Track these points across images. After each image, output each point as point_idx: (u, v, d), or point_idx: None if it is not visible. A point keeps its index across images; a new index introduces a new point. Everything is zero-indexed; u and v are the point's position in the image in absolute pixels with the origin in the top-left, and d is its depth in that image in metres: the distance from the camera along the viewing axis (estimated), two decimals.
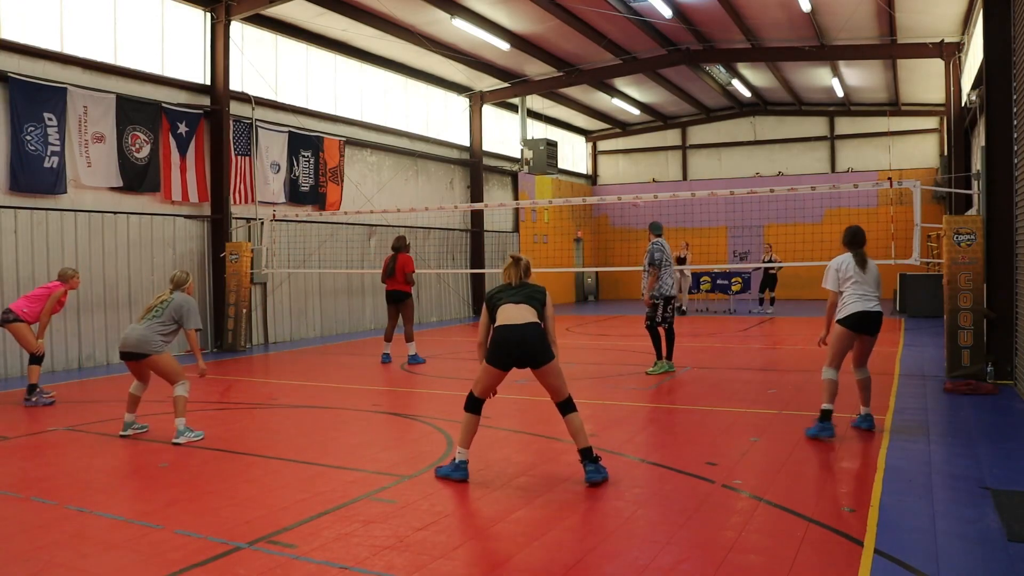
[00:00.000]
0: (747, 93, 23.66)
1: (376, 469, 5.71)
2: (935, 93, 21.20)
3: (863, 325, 6.45)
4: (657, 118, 26.77)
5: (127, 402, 7.02)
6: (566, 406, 5.36)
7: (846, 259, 6.65)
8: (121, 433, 6.96)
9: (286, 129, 15.37)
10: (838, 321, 6.54)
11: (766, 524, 4.44)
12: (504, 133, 23.49)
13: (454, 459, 5.41)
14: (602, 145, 29.10)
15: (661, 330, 10.06)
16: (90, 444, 6.73)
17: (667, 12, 15.68)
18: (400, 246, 11.73)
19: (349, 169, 17.00)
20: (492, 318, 5.45)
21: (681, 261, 19.15)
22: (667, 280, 9.94)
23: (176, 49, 13.45)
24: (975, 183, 13.81)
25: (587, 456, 5.27)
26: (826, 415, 6.38)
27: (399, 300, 11.67)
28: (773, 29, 17.49)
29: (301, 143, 15.66)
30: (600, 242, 28.13)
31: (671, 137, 27.85)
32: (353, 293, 17.24)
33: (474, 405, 5.43)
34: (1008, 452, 6.01)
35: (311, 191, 15.95)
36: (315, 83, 16.44)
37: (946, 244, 9.21)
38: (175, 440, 6.63)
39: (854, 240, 6.74)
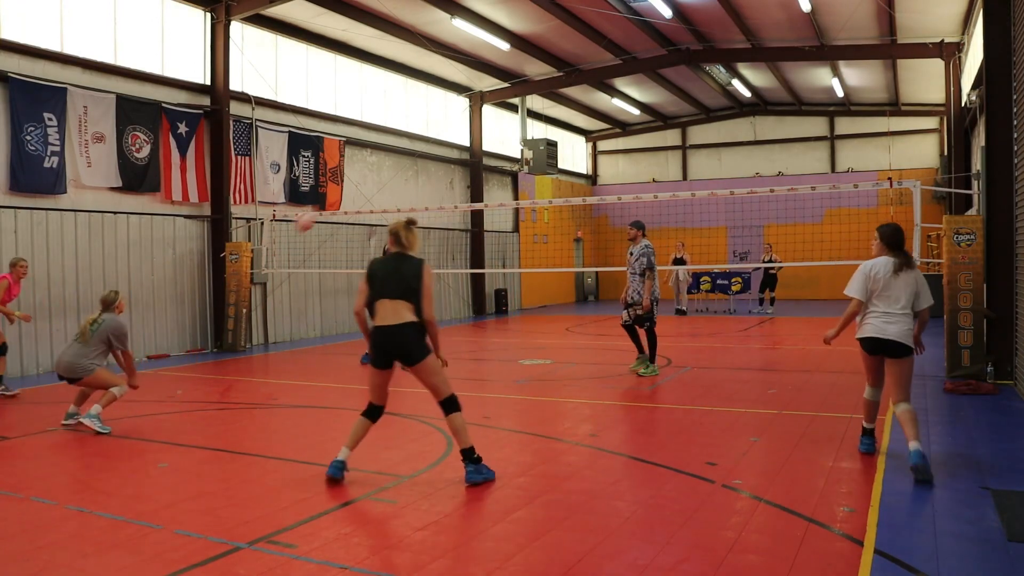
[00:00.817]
0: (747, 93, 23.65)
1: (376, 469, 5.71)
2: (935, 93, 21.20)
3: (879, 350, 5.68)
4: (657, 118, 26.76)
5: (76, 395, 7.45)
6: (448, 405, 5.30)
7: (883, 266, 5.60)
8: (63, 422, 7.29)
9: (286, 129, 15.37)
10: (857, 338, 5.83)
11: (766, 524, 4.44)
12: (504, 133, 23.49)
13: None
14: (602, 145, 29.09)
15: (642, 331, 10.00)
16: (90, 444, 6.73)
17: (667, 12, 15.68)
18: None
19: (349, 169, 17.00)
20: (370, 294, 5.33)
21: (680, 262, 19.14)
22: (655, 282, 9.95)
23: (176, 49, 13.44)
24: (975, 183, 13.82)
25: (467, 457, 5.27)
26: (864, 432, 6.06)
27: None
28: (773, 29, 17.49)
29: (301, 143, 15.66)
30: (600, 242, 28.13)
31: (671, 137, 27.84)
32: (353, 293, 17.21)
33: (369, 411, 5.40)
34: (1008, 452, 6.00)
35: (311, 191, 15.95)
36: (315, 83, 16.44)
37: (946, 244, 9.21)
38: (82, 418, 7.05)
39: (897, 240, 5.67)
